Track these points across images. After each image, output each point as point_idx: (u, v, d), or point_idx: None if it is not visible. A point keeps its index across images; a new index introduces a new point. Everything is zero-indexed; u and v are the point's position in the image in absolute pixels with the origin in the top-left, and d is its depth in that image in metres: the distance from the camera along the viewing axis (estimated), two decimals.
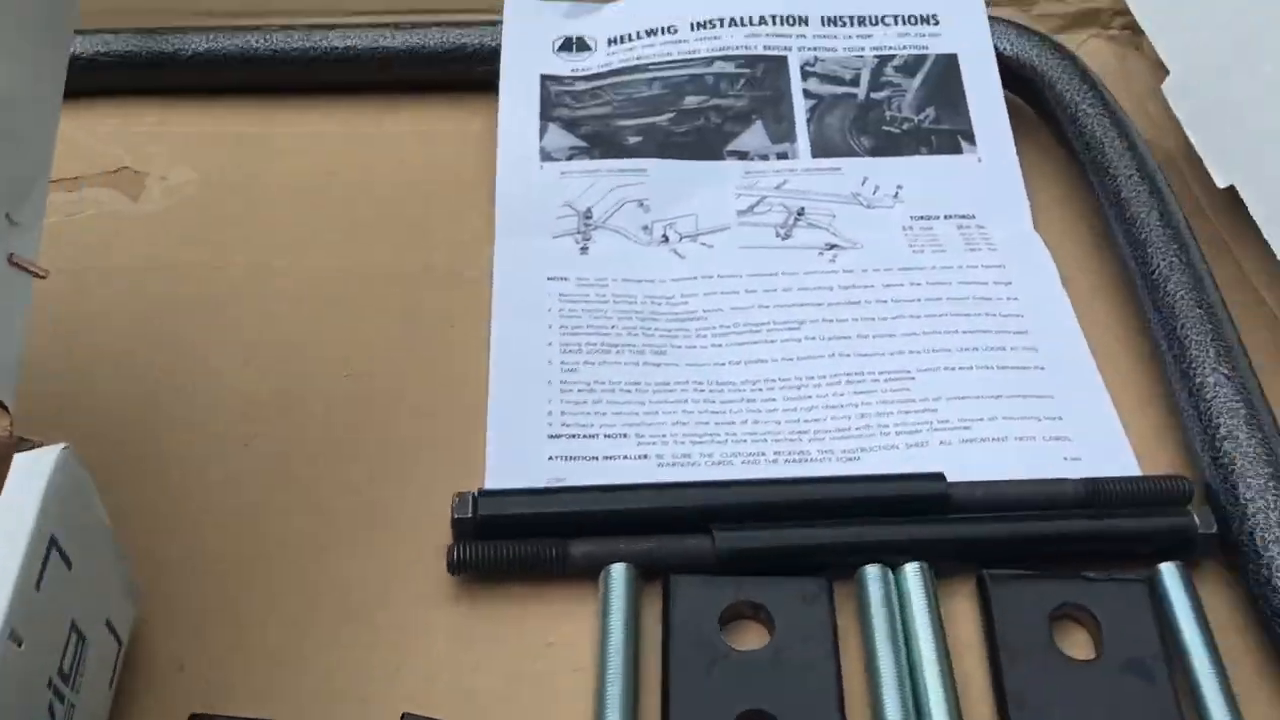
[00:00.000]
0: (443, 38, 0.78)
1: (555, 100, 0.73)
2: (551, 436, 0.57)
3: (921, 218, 0.70)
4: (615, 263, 0.67)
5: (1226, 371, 0.55)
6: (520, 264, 0.66)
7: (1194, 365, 0.56)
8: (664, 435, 0.58)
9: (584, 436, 0.57)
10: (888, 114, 0.73)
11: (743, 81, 0.74)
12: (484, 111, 0.74)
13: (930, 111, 0.73)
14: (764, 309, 0.64)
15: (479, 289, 0.65)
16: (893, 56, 0.75)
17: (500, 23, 0.76)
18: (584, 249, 0.68)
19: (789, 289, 0.65)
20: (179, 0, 0.83)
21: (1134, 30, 0.81)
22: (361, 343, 0.63)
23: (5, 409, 0.41)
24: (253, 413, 0.59)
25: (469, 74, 0.78)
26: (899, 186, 0.70)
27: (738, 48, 0.75)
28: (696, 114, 0.73)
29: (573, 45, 0.76)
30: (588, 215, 0.69)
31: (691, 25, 0.76)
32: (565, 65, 0.75)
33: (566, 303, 0.64)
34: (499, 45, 0.76)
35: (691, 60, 0.74)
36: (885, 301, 0.64)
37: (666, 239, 0.68)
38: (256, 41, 0.78)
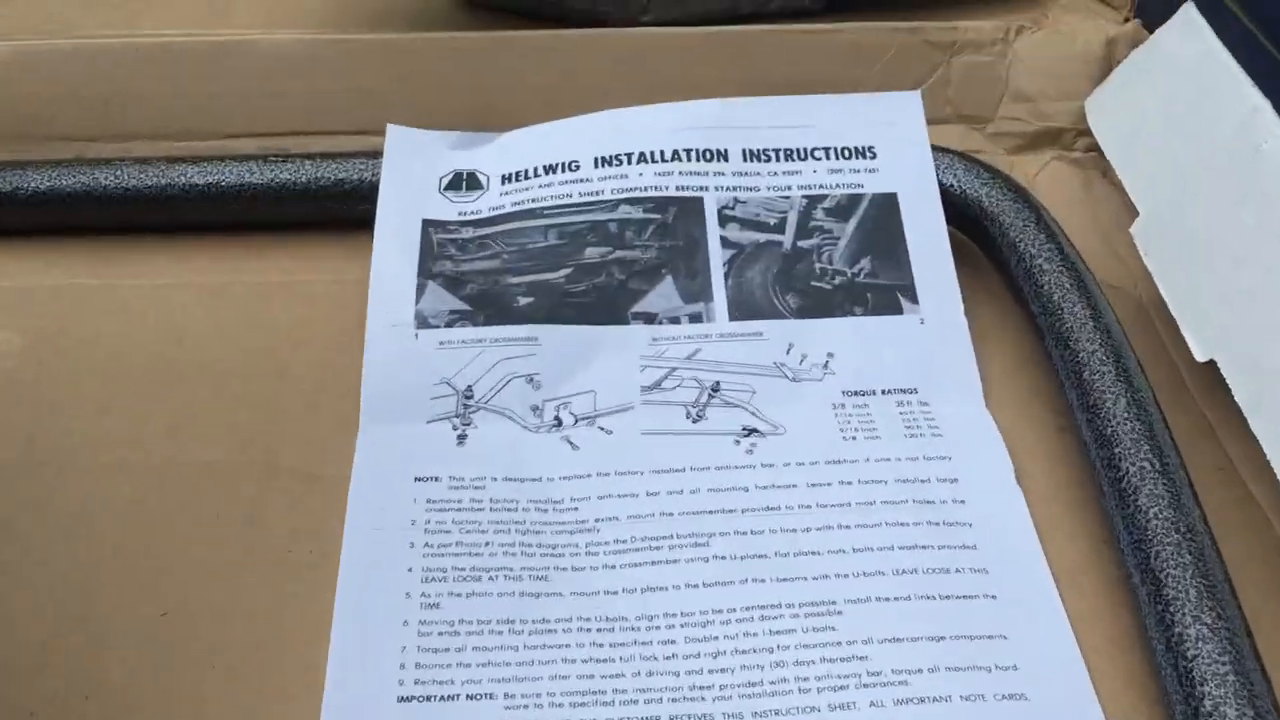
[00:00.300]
0: (316, 172, 0.68)
1: (438, 251, 0.63)
2: (402, 699, 0.47)
3: (855, 393, 0.60)
4: (497, 456, 0.57)
5: (1210, 621, 0.45)
6: (385, 459, 0.56)
7: (1172, 609, 0.46)
8: (538, 696, 0.48)
9: (441, 699, 0.48)
10: (817, 266, 0.64)
11: (652, 229, 0.64)
12: (364, 255, 0.65)
13: (866, 263, 0.64)
14: (667, 517, 0.55)
15: (335, 493, 0.55)
16: (823, 197, 0.66)
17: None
18: (462, 437, 0.58)
19: (697, 490, 0.56)
20: (26, 124, 0.74)
21: (1100, 152, 0.72)
22: (185, 567, 0.53)
23: None
24: (39, 662, 0.49)
25: (348, 211, 0.68)
26: (829, 355, 0.61)
27: (647, 188, 0.65)
28: (598, 269, 0.63)
29: (462, 182, 0.67)
30: (468, 395, 0.59)
31: (596, 161, 0.66)
32: (451, 207, 0.65)
33: (435, 511, 0.54)
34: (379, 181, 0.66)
35: (594, 204, 0.65)
36: (810, 507, 0.55)
37: (559, 422, 0.59)
38: (107, 179, 0.68)
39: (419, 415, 0.59)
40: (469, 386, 0.60)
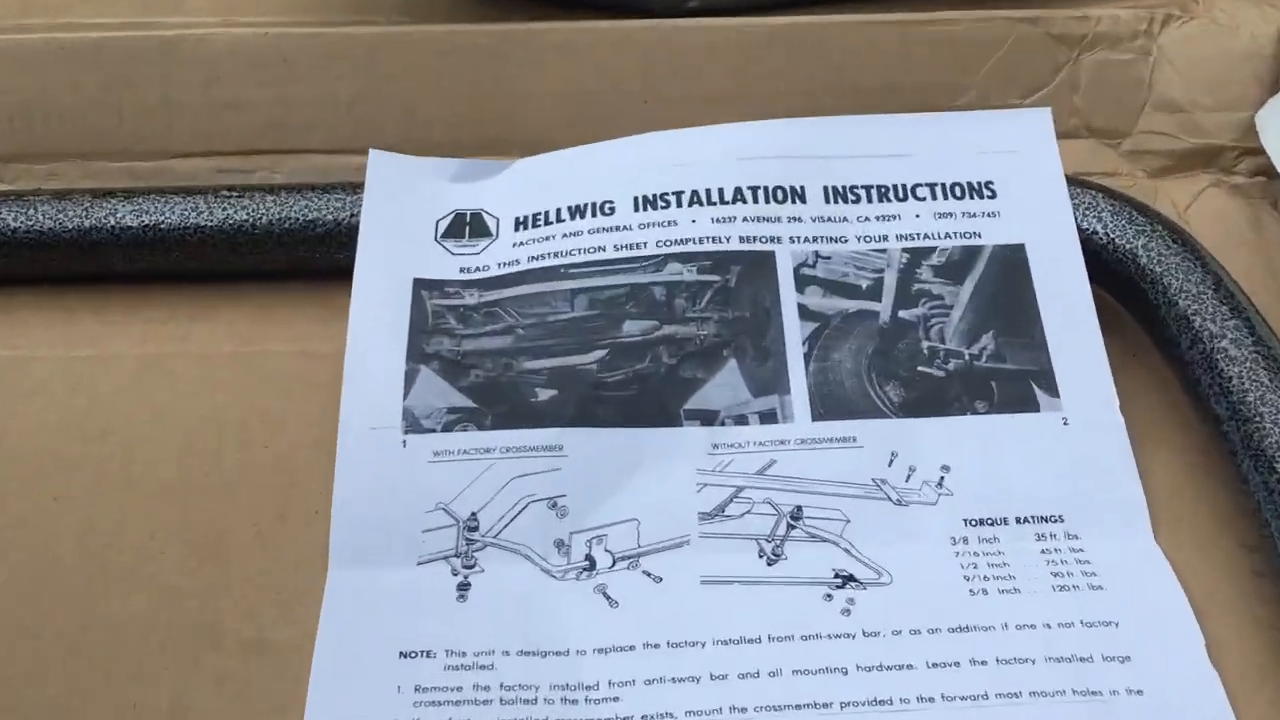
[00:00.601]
0: (281, 210, 0.53)
1: (433, 324, 0.49)
2: None
3: (981, 522, 0.46)
4: (510, 617, 0.43)
5: None
6: (360, 624, 0.42)
7: None
8: None
9: None
10: (925, 345, 0.49)
11: (709, 295, 0.50)
12: (342, 315, 0.50)
13: (988, 340, 0.49)
14: (739, 715, 0.40)
15: (291, 672, 0.41)
16: (930, 250, 0.51)
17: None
18: (463, 588, 0.44)
19: (777, 672, 0.41)
20: None
21: (1272, 176, 0.57)
22: None
23: None
24: None
25: (322, 259, 0.54)
26: (944, 468, 0.46)
27: (702, 240, 0.51)
28: (640, 350, 0.48)
29: (465, 227, 0.52)
30: (472, 526, 0.45)
31: (636, 202, 0.52)
32: (451, 262, 0.51)
33: (427, 706, 0.41)
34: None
35: (634, 260, 0.50)
36: (933, 700, 0.41)
37: (591, 564, 0.45)
38: (16, 218, 0.54)
39: (406, 555, 0.45)
40: (473, 514, 0.45)
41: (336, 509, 0.45)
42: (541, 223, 0.51)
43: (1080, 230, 0.51)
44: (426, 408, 0.47)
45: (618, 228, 0.51)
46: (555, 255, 0.50)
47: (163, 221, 0.53)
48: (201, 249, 0.53)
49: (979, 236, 0.51)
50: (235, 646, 0.42)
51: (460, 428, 0.47)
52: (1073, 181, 0.53)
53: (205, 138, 0.58)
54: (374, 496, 0.45)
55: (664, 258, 0.50)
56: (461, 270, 0.51)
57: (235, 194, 0.54)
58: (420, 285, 0.50)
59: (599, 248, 0.51)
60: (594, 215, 0.51)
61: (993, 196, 0.52)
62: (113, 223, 0.53)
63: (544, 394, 0.48)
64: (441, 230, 0.52)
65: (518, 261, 0.50)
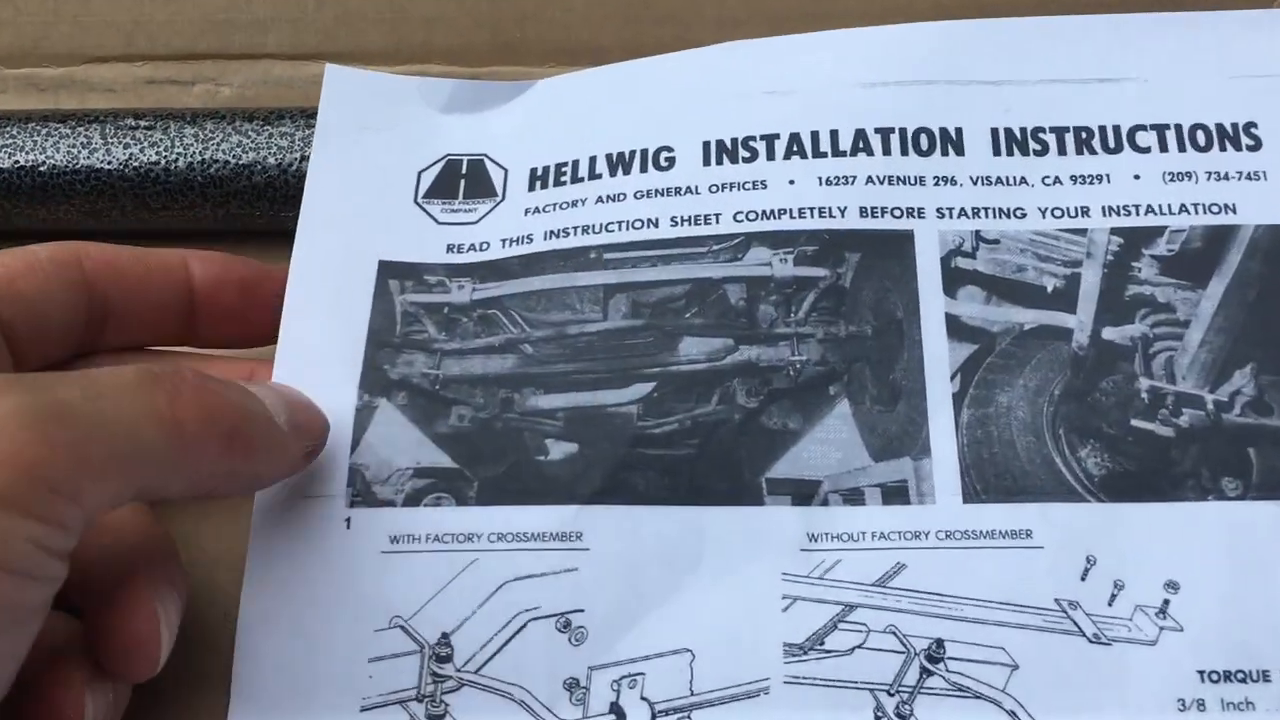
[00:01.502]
0: (206, 150, 0.38)
1: (403, 332, 0.33)
2: None
3: (1225, 677, 0.29)
4: None
5: None
6: None
7: None
8: None
9: None
10: (1144, 385, 0.32)
11: (812, 300, 0.33)
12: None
13: (1246, 381, 0.32)
14: None
15: None
16: (1155, 232, 0.33)
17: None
18: None
19: None
20: None
21: None
22: None
23: None
24: None
25: (267, 218, 0.38)
26: (1170, 586, 0.30)
27: (803, 211, 0.34)
28: (704, 385, 0.32)
29: (458, 182, 0.36)
30: (443, 654, 0.30)
31: (705, 151, 0.35)
32: (435, 236, 0.35)
33: None
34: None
35: (701, 242, 0.34)
36: None
37: (619, 719, 0.29)
38: None
39: (344, 697, 0.30)
40: (444, 636, 0.30)
41: (243, 622, 0.31)
42: (567, 178, 0.35)
43: None
44: (384, 466, 0.32)
45: (677, 190, 0.34)
46: (584, 231, 0.34)
47: (43, 162, 0.38)
48: (98, 200, 0.38)
49: (1233, 211, 0.33)
50: None
51: (432, 500, 0.31)
52: None
53: (129, 34, 0.43)
54: (300, 603, 0.31)
55: (745, 238, 0.34)
56: (450, 249, 0.35)
57: (144, 124, 0.38)
58: (388, 271, 0.34)
59: (649, 220, 0.34)
60: (643, 169, 0.35)
61: (1256, 147, 0.34)
62: None
63: (558, 450, 0.32)
64: (425, 186, 0.36)
65: (530, 238, 0.34)
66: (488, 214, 0.35)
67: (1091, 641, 0.30)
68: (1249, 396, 0.32)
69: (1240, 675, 0.29)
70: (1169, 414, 0.32)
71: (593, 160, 0.35)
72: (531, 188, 0.35)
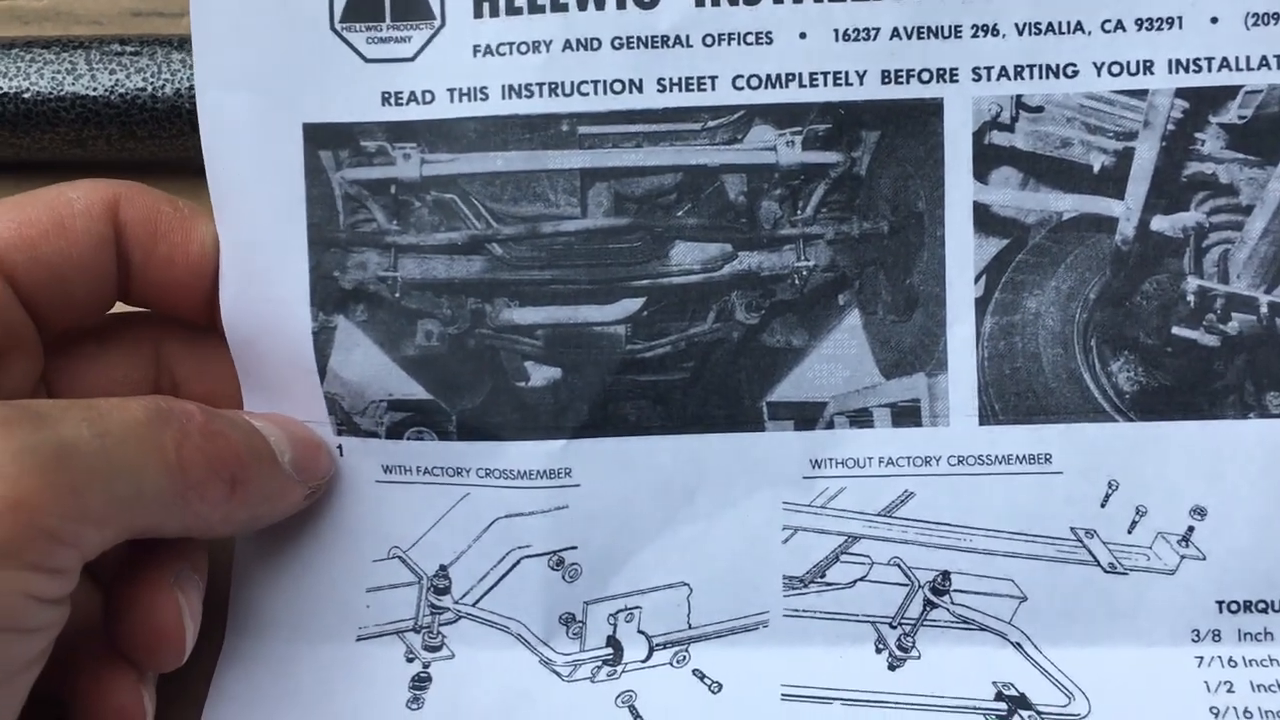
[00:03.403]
0: (192, 75, 0.34)
1: (347, 222, 0.30)
2: None
3: (1244, 607, 0.28)
4: None
5: None
6: None
7: None
8: None
9: None
10: (1191, 285, 0.28)
11: (822, 192, 0.29)
12: None
13: None
14: None
15: None
16: (1228, 93, 0.28)
17: None
18: (420, 686, 0.29)
19: None
20: None
21: None
22: None
23: None
24: None
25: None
26: (1197, 512, 0.28)
27: (814, 77, 0.29)
28: (697, 298, 0.29)
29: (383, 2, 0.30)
30: (441, 583, 0.30)
31: None
32: (365, 80, 0.30)
33: None
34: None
35: (693, 116, 0.29)
36: None
37: (615, 655, 0.29)
38: None
39: (342, 624, 0.30)
40: (442, 568, 0.30)
41: (240, 549, 0.30)
42: (523, 4, 0.29)
43: None
44: (358, 398, 0.29)
45: (664, 41, 0.29)
46: (552, 92, 0.29)
47: (27, 89, 0.34)
48: (83, 129, 0.34)
49: None
50: None
51: (413, 434, 0.29)
52: None
53: None
54: (297, 531, 0.30)
55: (745, 113, 0.29)
56: (386, 100, 0.29)
57: (130, 49, 0.33)
58: (316, 138, 0.30)
59: (631, 83, 0.29)
60: (620, 6, 0.29)
61: None
62: None
63: (539, 375, 0.29)
64: (340, 7, 0.30)
65: (484, 92, 0.29)
66: (426, 46, 0.29)
67: (1107, 571, 0.28)
68: None
69: (1261, 605, 0.28)
70: (1216, 319, 0.28)
71: None
72: (479, 12, 0.29)
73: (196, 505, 0.25)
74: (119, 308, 0.30)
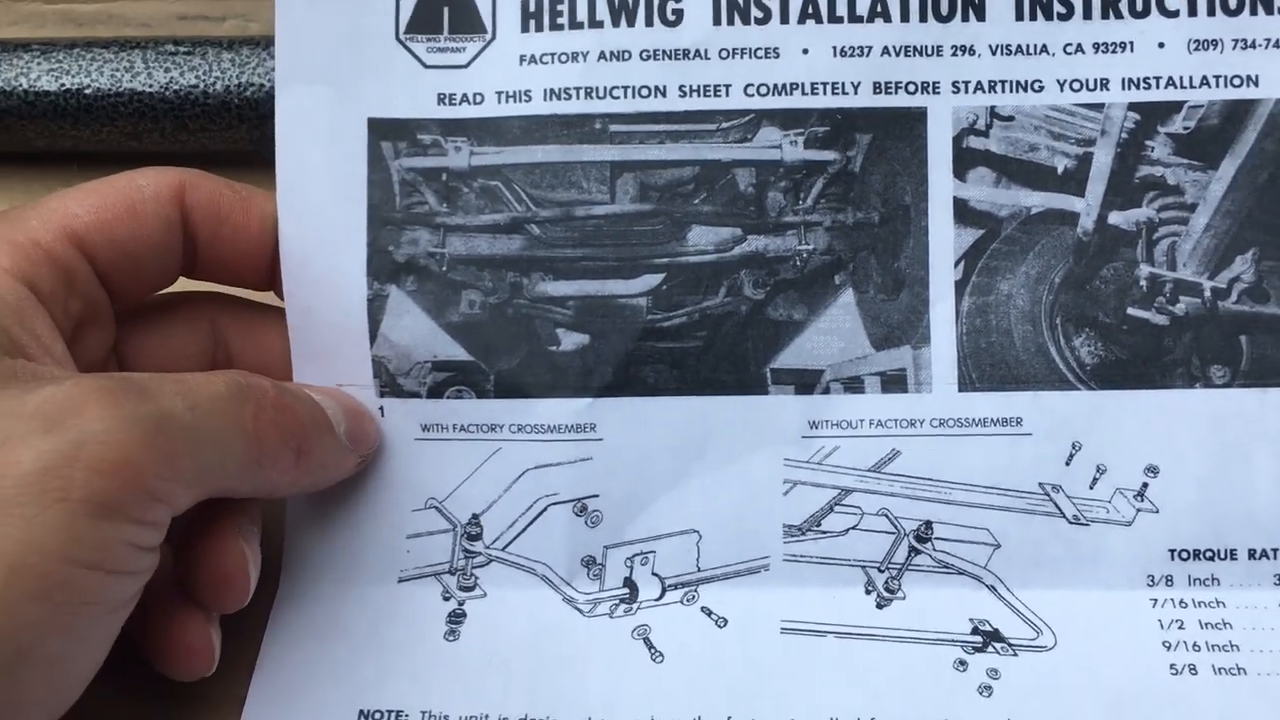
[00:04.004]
0: (243, 74, 0.39)
1: (403, 204, 0.34)
2: None
3: (1194, 555, 0.32)
4: (513, 669, 0.32)
5: None
6: (308, 665, 0.32)
7: None
8: None
9: None
10: (1144, 272, 0.32)
11: (821, 186, 0.33)
12: None
13: (1246, 267, 0.32)
14: None
15: None
16: (1174, 108, 0.32)
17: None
18: (455, 622, 0.32)
19: None
20: None
21: None
22: None
23: None
24: None
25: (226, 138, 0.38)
26: (1151, 470, 0.32)
27: (815, 86, 0.33)
28: (711, 275, 0.33)
29: (442, 12, 0.34)
30: (474, 533, 0.33)
31: (716, 8, 0.33)
32: (424, 83, 0.34)
33: None
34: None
35: (709, 118, 0.33)
36: None
37: (632, 592, 0.32)
38: None
39: (385, 567, 0.33)
40: (475, 517, 0.33)
41: (292, 503, 0.33)
42: (565, 20, 0.33)
43: None
44: (404, 359, 0.33)
45: (686, 54, 0.33)
46: (587, 95, 0.33)
47: (88, 85, 0.38)
48: (139, 123, 0.38)
49: (1255, 84, 0.32)
50: (147, 691, 0.32)
51: (453, 393, 0.33)
52: None
53: None
54: (343, 485, 0.33)
55: (755, 116, 0.33)
56: (441, 100, 0.34)
57: (183, 49, 0.37)
58: (379, 131, 0.34)
59: (657, 89, 0.33)
60: (649, 23, 0.33)
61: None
62: (25, 85, 0.38)
63: (569, 340, 0.33)
64: (405, 20, 0.34)
65: (528, 95, 0.33)
66: (478, 55, 0.34)
67: (1071, 522, 0.32)
68: (1247, 283, 0.32)
69: (1209, 554, 0.32)
70: (1165, 302, 0.32)
71: (592, 5, 0.33)
72: (525, 28, 0.33)
73: (268, 471, 0.29)
74: (181, 284, 0.33)
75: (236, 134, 0.37)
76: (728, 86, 0.33)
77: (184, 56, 0.37)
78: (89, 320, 0.30)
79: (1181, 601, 0.31)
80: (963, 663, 0.31)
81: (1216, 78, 0.32)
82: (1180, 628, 0.31)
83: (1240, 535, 0.32)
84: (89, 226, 0.30)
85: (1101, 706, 0.30)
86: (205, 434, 0.27)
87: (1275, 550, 0.31)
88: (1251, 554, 0.32)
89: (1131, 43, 0.33)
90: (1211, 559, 0.32)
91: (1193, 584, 0.32)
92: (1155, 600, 0.31)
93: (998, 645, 0.31)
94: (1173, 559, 0.32)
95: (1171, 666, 0.30)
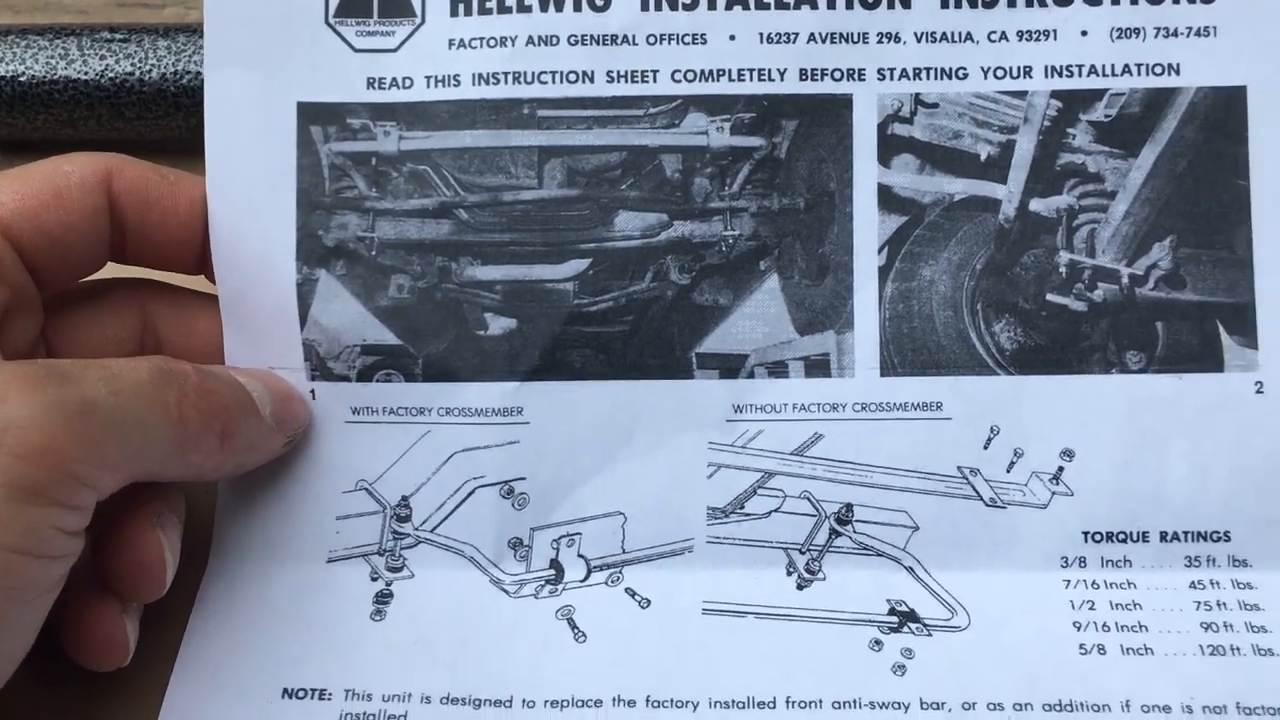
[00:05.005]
0: (179, 61, 0.38)
1: (333, 188, 0.34)
2: None
3: (1106, 537, 0.32)
4: (438, 650, 0.32)
5: None
6: (234, 644, 0.32)
7: None
8: None
9: None
10: (1063, 259, 0.33)
11: (747, 172, 0.33)
12: None
13: (1164, 254, 0.33)
14: None
15: (139, 709, 0.32)
16: (1096, 96, 0.33)
17: None
18: (382, 602, 0.33)
19: None
20: None
21: None
22: None
23: None
24: None
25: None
26: (1066, 454, 0.32)
27: (742, 73, 0.33)
28: (638, 261, 0.33)
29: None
30: (403, 514, 0.33)
31: None
32: (353, 66, 0.34)
33: None
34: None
35: (637, 104, 0.33)
36: None
37: (557, 573, 0.33)
38: None
39: (314, 548, 0.33)
40: (404, 499, 0.33)
41: (223, 485, 0.33)
42: (493, 7, 0.33)
43: None
44: (334, 343, 0.33)
45: (614, 39, 0.33)
46: (515, 80, 0.33)
47: (23, 72, 0.38)
48: (75, 110, 0.38)
49: (1176, 72, 0.33)
50: (70, 677, 0.32)
51: (382, 376, 0.33)
52: None
53: None
54: (274, 467, 0.33)
55: (682, 102, 0.33)
56: (371, 84, 0.34)
57: (119, 37, 0.37)
58: (308, 115, 0.34)
59: (584, 74, 0.33)
60: (577, 9, 0.33)
61: (1209, 0, 0.33)
62: None
63: (497, 325, 0.33)
64: (335, 3, 0.34)
65: (456, 80, 0.33)
66: (407, 39, 0.33)
67: (988, 505, 0.32)
68: (1164, 270, 0.33)
69: (1121, 536, 0.32)
70: (1084, 288, 0.33)
71: None
72: (454, 12, 0.33)
73: (192, 455, 0.29)
74: (110, 269, 0.34)
75: (173, 121, 0.37)
76: (655, 72, 0.33)
77: (119, 44, 0.37)
78: (15, 308, 0.30)
79: (1093, 583, 0.32)
80: (878, 642, 0.32)
81: (1138, 66, 0.33)
82: (1091, 608, 0.32)
83: (1152, 518, 0.32)
84: (14, 214, 0.30)
85: (1011, 685, 0.31)
86: (128, 418, 0.27)
87: (1186, 533, 0.32)
88: (1163, 536, 0.32)
89: (1055, 31, 0.33)
90: (1124, 541, 0.32)
91: (1105, 565, 0.32)
92: (1068, 581, 0.32)
93: (913, 626, 0.32)
94: (1086, 541, 0.32)
95: (1081, 646, 0.31)
